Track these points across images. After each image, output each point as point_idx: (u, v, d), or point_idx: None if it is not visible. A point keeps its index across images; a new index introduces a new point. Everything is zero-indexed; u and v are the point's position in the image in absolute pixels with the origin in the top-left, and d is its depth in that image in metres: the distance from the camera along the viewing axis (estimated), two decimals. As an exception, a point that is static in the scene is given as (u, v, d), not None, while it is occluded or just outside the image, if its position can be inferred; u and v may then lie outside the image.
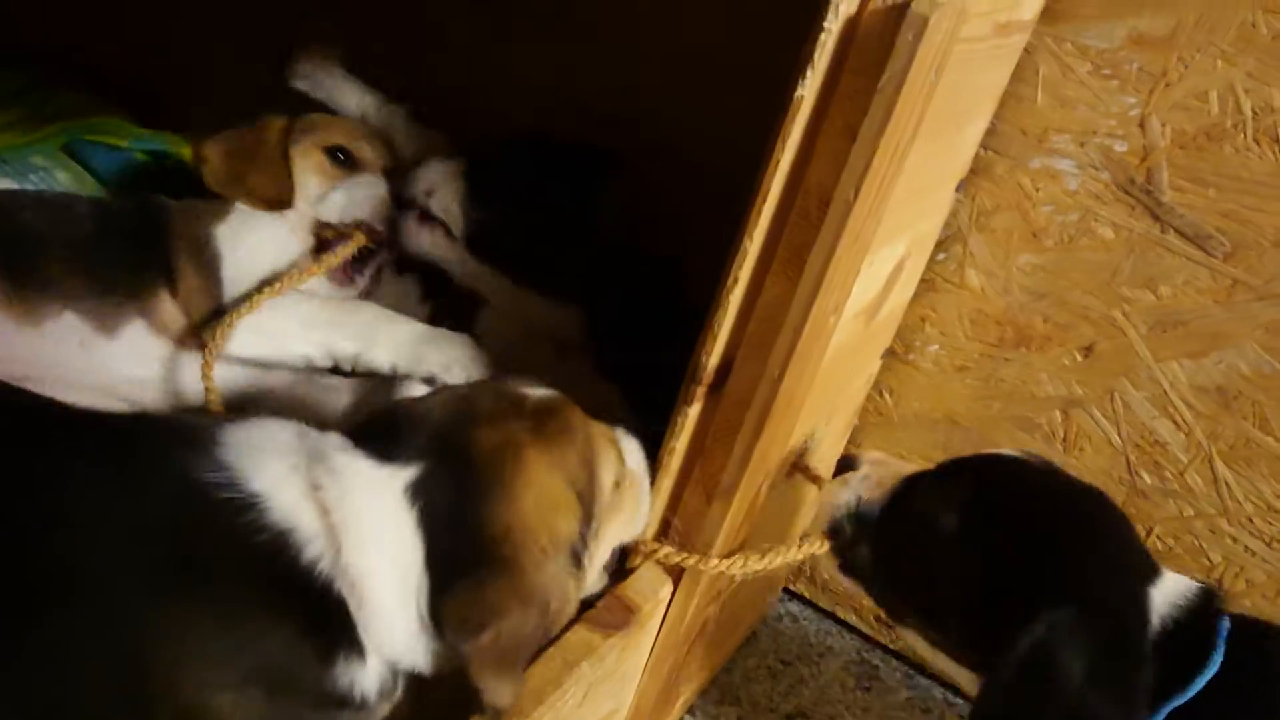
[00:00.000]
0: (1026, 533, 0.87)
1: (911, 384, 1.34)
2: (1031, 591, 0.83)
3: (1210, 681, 0.83)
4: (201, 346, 1.06)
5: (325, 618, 0.73)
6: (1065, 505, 0.90)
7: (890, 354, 1.33)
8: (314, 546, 0.73)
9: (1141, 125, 1.13)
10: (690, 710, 1.28)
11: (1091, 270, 1.20)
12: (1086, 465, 1.26)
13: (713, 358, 0.89)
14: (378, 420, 0.82)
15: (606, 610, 0.91)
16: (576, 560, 0.79)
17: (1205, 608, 0.86)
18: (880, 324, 1.18)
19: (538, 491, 0.78)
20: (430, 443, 0.79)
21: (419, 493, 0.76)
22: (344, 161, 1.23)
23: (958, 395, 1.32)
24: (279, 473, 0.75)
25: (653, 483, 0.95)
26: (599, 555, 0.86)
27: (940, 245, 1.27)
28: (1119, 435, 1.23)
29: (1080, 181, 1.18)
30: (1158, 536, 1.23)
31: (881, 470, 0.99)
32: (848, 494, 0.97)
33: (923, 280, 1.28)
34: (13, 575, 0.66)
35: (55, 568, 0.67)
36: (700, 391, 0.90)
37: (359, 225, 1.19)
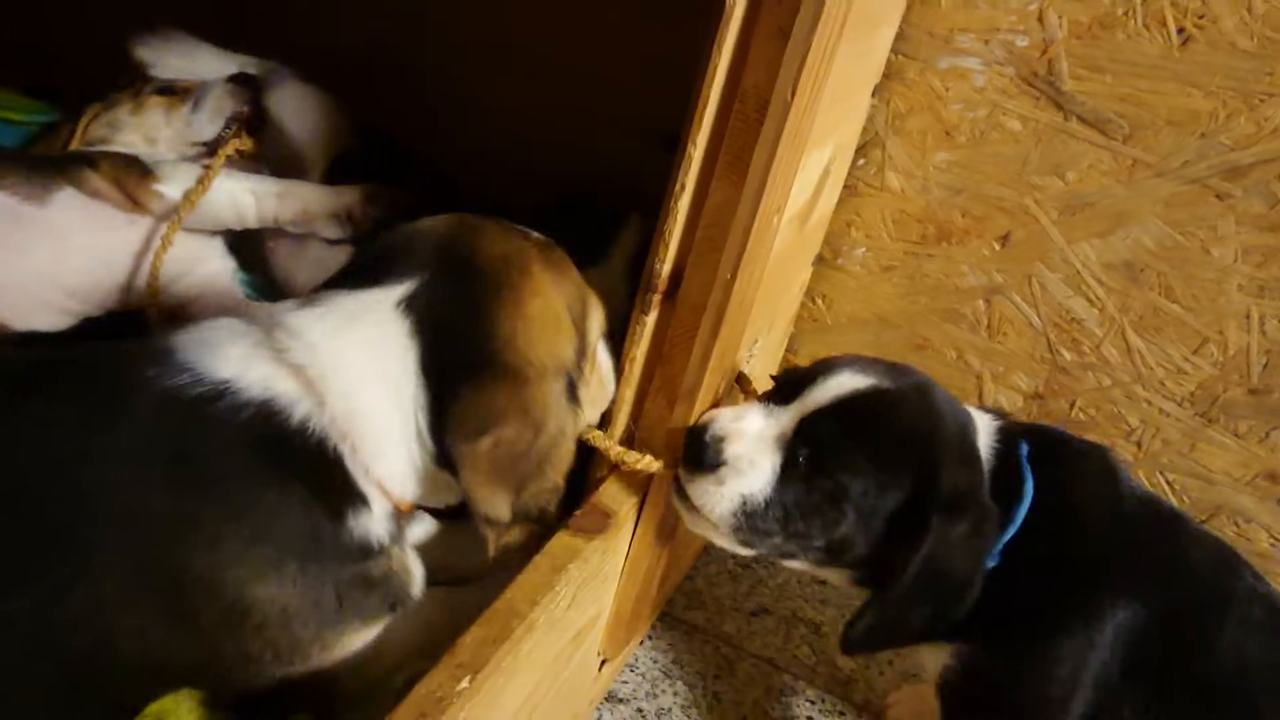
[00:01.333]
0: (906, 458, 0.89)
1: (842, 288, 1.40)
2: (918, 509, 0.88)
3: (1029, 506, 0.92)
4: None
5: (327, 473, 0.73)
6: (921, 416, 0.92)
7: (820, 261, 1.39)
8: (298, 409, 0.73)
9: (1040, 19, 1.19)
10: (661, 616, 1.33)
11: (1003, 163, 1.26)
12: (1010, 349, 1.33)
13: (666, 264, 0.92)
14: (368, 252, 0.82)
15: (585, 517, 0.95)
16: (573, 393, 0.81)
17: (1006, 439, 0.95)
18: (811, 230, 1.23)
19: (543, 304, 0.79)
20: (432, 255, 0.79)
21: (415, 303, 0.76)
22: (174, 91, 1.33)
23: (886, 295, 1.38)
24: (240, 353, 0.74)
25: (616, 390, 0.99)
26: (586, 408, 0.89)
27: (860, 151, 1.32)
28: (1039, 317, 1.31)
29: (987, 78, 1.24)
30: (1080, 408, 1.32)
31: (747, 448, 0.92)
32: (727, 501, 0.91)
33: (845, 187, 1.33)
34: (29, 533, 0.67)
35: (68, 515, 0.67)
36: (656, 299, 0.94)
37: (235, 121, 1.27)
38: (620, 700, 1.21)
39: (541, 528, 0.86)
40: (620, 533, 1.00)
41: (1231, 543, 0.99)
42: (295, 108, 1.33)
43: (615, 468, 1.01)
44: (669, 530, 1.11)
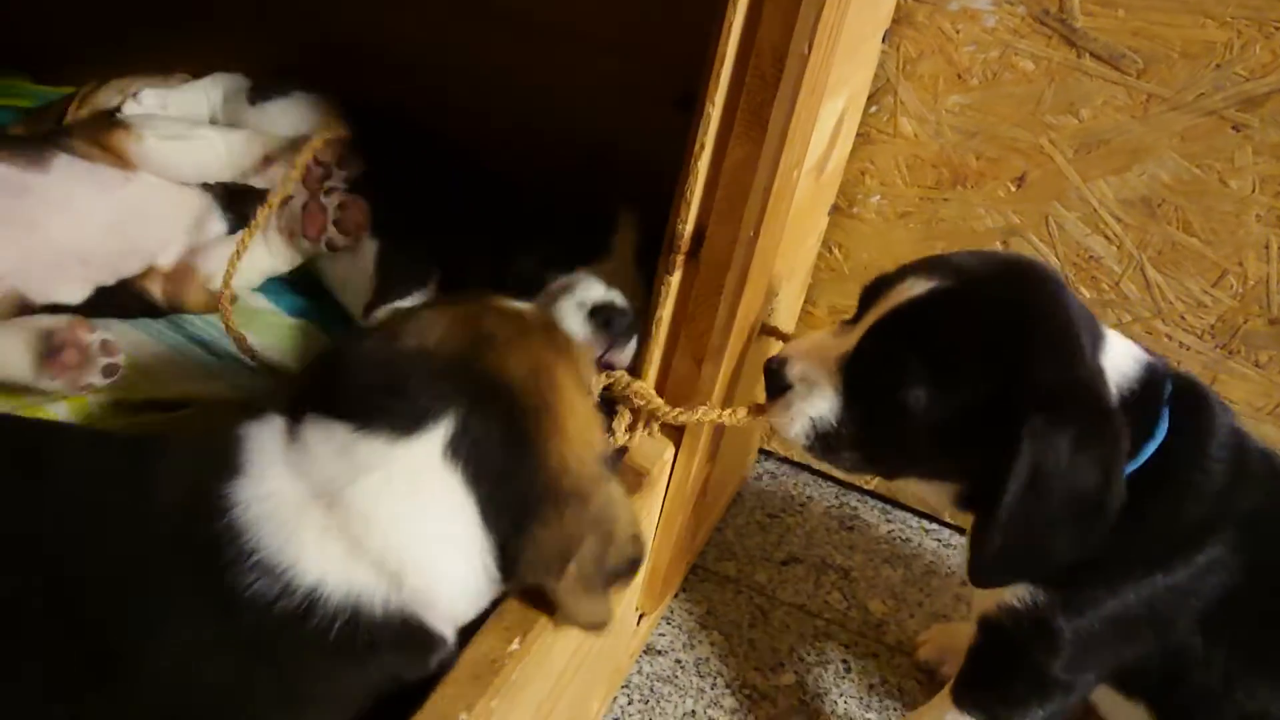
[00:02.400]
0: (980, 355, 0.84)
1: (858, 236, 1.40)
2: (1008, 411, 0.81)
3: (1158, 446, 0.88)
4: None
5: (409, 637, 0.72)
6: (1000, 306, 0.86)
7: (835, 210, 1.39)
8: (381, 599, 0.70)
9: (1050, -44, 1.18)
10: (694, 569, 1.36)
11: (1016, 103, 1.26)
12: (1029, 289, 1.34)
13: (688, 225, 0.92)
14: (360, 382, 0.72)
15: (620, 477, 0.97)
16: (608, 464, 0.78)
17: (1151, 374, 0.90)
18: (827, 179, 1.23)
19: (576, 412, 0.74)
20: (457, 386, 0.71)
21: (459, 451, 0.70)
22: None
23: (902, 241, 1.38)
24: (314, 543, 0.69)
25: (642, 355, 1.00)
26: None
27: (872, 98, 1.31)
28: (1056, 256, 1.31)
29: (998, 18, 1.23)
30: (1101, 345, 1.33)
31: (808, 369, 0.92)
32: (797, 422, 0.91)
33: (858, 135, 1.33)
34: None
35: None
36: (679, 260, 0.94)
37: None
38: (659, 652, 1.24)
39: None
40: (654, 490, 1.01)
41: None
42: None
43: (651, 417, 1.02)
44: (700, 485, 1.13)
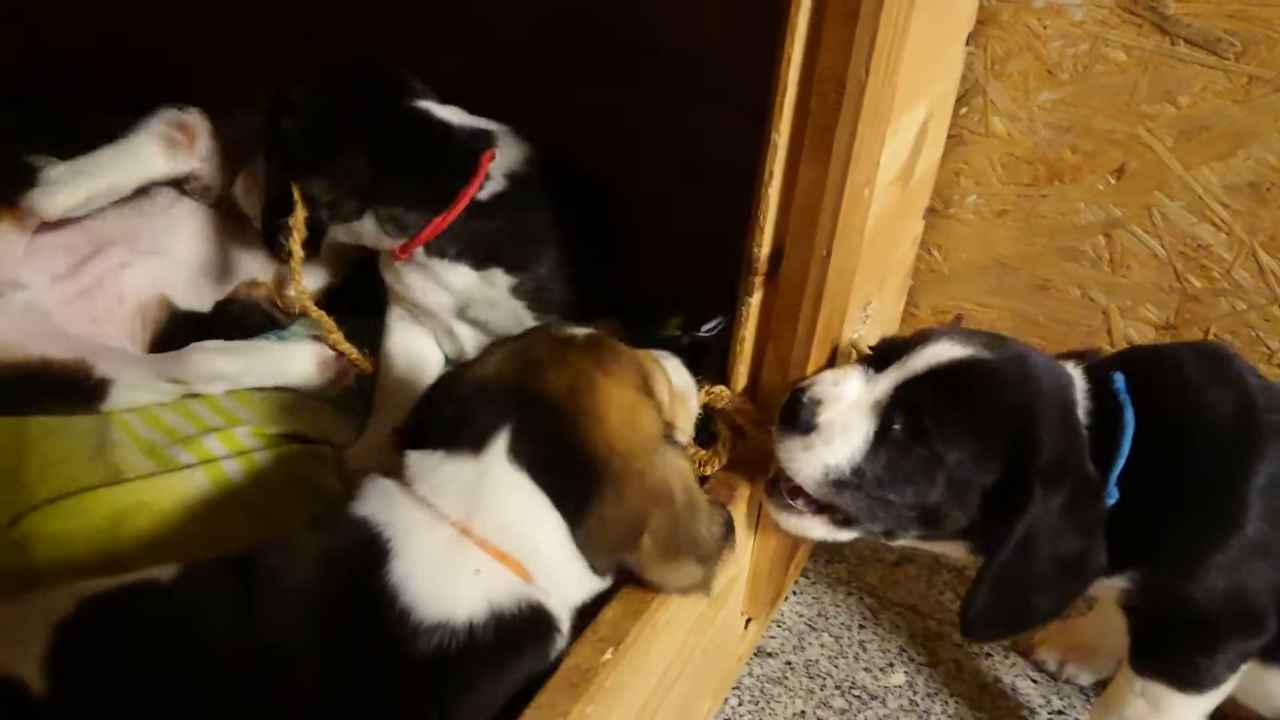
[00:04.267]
0: (1004, 429, 0.92)
1: (956, 236, 1.40)
2: (1010, 483, 0.91)
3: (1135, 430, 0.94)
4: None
5: (541, 623, 0.84)
6: (1019, 386, 0.94)
7: (931, 212, 1.39)
8: (524, 598, 0.83)
9: (1136, -56, 1.17)
10: (805, 573, 1.39)
11: (1110, 94, 1.24)
12: (1135, 281, 1.31)
13: (764, 249, 0.96)
14: (438, 405, 0.89)
15: (711, 491, 1.01)
16: (673, 439, 0.88)
17: (1097, 378, 0.97)
18: (916, 186, 1.24)
19: (618, 407, 0.85)
20: (508, 404, 0.85)
21: (519, 452, 0.83)
22: None
23: (1002, 239, 1.38)
24: (463, 585, 0.81)
25: (729, 372, 1.04)
26: (683, 430, 0.97)
27: (961, 100, 1.31)
28: (1162, 247, 1.28)
29: (1085, 11, 1.21)
30: (1215, 335, 1.29)
31: (839, 416, 0.95)
32: (811, 465, 0.94)
33: (950, 137, 1.33)
34: None
35: None
36: (757, 281, 0.98)
37: None
38: (769, 654, 1.28)
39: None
40: (748, 498, 1.05)
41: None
42: None
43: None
44: (797, 493, 1.16)
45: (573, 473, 0.84)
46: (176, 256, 1.42)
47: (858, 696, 1.23)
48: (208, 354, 1.30)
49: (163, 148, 1.34)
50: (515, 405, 0.84)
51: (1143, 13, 1.18)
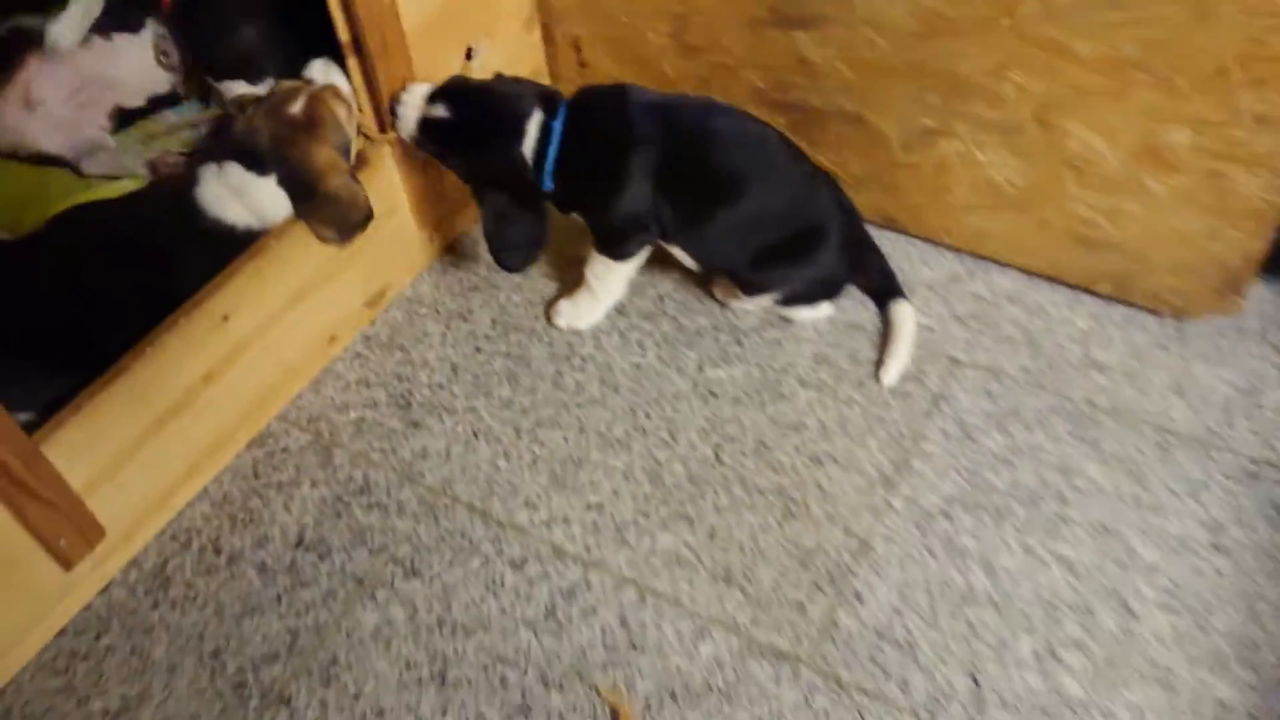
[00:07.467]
0: (476, 124, 1.84)
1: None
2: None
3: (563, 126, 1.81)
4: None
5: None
6: (480, 93, 1.87)
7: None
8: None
9: None
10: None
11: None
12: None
13: (346, 36, 1.87)
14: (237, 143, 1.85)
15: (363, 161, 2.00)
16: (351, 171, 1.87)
17: (550, 106, 1.82)
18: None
19: (321, 155, 1.83)
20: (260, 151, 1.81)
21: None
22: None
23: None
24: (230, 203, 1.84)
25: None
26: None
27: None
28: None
29: None
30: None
31: (406, 106, 1.86)
32: (402, 129, 1.88)
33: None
34: None
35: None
36: (350, 54, 1.90)
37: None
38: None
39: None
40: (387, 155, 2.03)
41: None
42: None
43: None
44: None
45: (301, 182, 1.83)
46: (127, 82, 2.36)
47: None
48: None
49: None
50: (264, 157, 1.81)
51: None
